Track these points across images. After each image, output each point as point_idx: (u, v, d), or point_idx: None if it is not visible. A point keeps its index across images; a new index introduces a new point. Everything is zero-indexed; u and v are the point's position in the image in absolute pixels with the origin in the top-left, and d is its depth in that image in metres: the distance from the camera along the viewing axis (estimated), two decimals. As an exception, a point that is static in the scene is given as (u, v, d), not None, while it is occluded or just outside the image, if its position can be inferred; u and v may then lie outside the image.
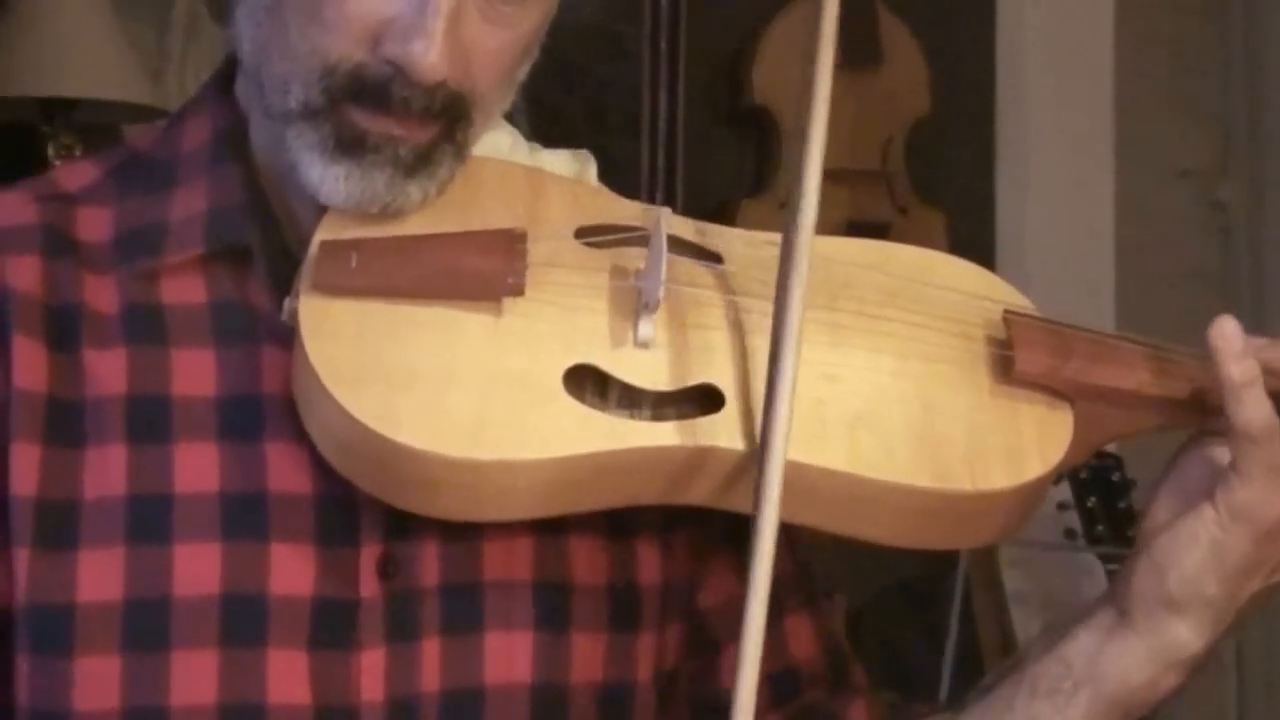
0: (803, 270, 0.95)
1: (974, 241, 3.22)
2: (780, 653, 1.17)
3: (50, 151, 2.59)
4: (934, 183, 3.22)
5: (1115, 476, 2.74)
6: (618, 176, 1.11)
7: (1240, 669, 3.39)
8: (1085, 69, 3.38)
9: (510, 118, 1.11)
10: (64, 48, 2.53)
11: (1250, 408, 0.98)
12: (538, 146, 1.12)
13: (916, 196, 3.17)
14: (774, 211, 2.98)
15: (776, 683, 1.17)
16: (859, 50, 3.11)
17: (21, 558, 0.98)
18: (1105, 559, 2.63)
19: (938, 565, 2.82)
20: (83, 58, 2.54)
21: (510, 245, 0.99)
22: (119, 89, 2.57)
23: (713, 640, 1.14)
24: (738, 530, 0.99)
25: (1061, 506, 2.87)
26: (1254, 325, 1.03)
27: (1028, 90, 3.36)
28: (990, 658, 2.78)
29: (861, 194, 3.08)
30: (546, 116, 3.01)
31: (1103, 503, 2.73)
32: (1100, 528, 2.73)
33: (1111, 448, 2.83)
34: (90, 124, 2.65)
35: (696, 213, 1.11)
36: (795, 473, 0.96)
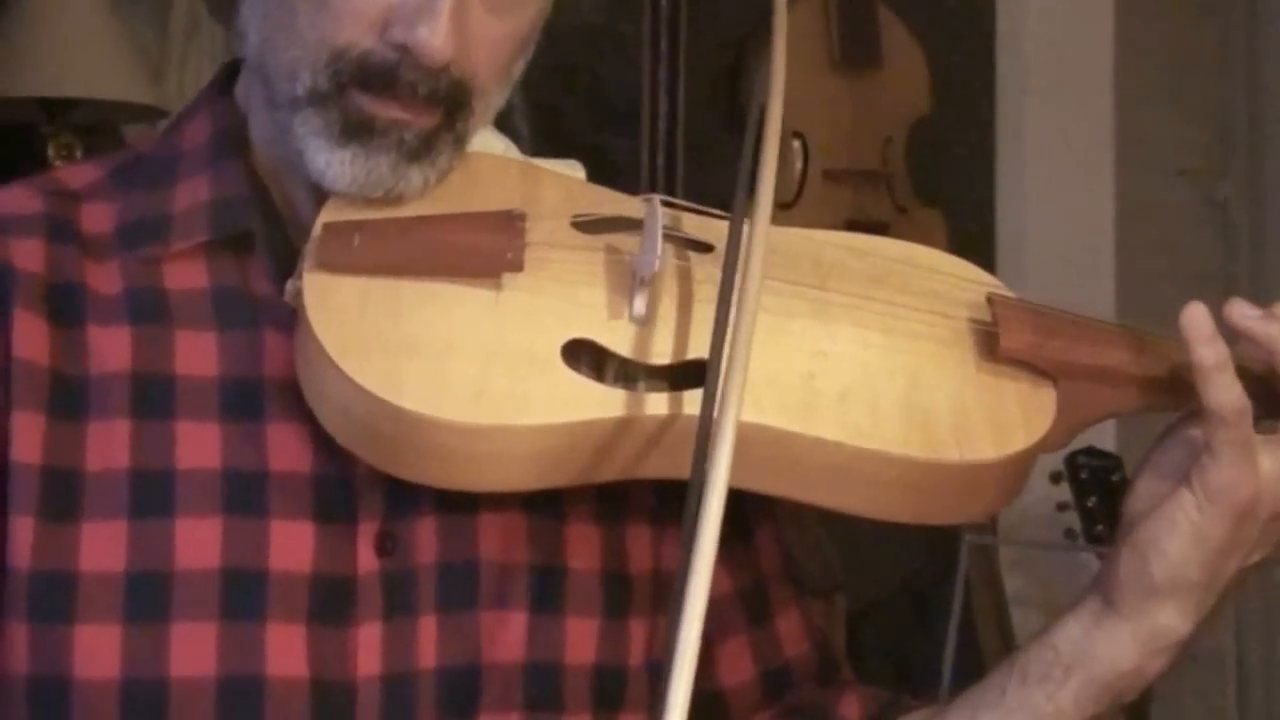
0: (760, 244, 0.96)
1: (974, 241, 3.22)
2: (773, 650, 1.19)
3: (50, 151, 2.60)
4: (934, 183, 3.22)
5: (1115, 476, 2.74)
6: (618, 176, 1.12)
7: (1240, 669, 3.39)
8: (1085, 69, 3.38)
9: (509, 117, 1.12)
10: (64, 48, 2.53)
11: (1221, 390, 1.00)
12: (529, 158, 1.14)
13: (916, 196, 3.17)
14: (774, 211, 2.98)
15: (768, 680, 1.19)
16: (859, 50, 3.11)
17: (24, 526, 0.99)
18: (1105, 559, 2.63)
19: (938, 565, 2.82)
20: (83, 58, 2.54)
21: (510, 224, 1.02)
22: (119, 89, 2.58)
23: (705, 635, 1.15)
24: (729, 524, 1.00)
25: (1061, 507, 2.87)
26: (1254, 325, 1.04)
27: (1028, 90, 3.36)
28: (990, 658, 2.78)
29: (861, 194, 3.08)
30: (546, 116, 3.01)
31: (1103, 503, 2.73)
32: (1100, 528, 2.74)
33: (1111, 448, 2.84)
34: (90, 124, 2.66)
35: (696, 213, 1.12)
36: (788, 444, 0.99)
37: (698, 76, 3.11)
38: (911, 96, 3.18)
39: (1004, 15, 3.38)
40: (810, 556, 2.53)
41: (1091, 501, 2.74)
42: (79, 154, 2.59)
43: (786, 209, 2.99)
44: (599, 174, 1.13)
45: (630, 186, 1.10)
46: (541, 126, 2.81)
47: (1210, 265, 3.49)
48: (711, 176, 3.08)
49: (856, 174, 3.08)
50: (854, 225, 3.00)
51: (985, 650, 2.82)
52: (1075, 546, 2.81)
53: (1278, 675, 3.37)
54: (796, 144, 3.04)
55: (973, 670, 2.71)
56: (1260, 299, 1.08)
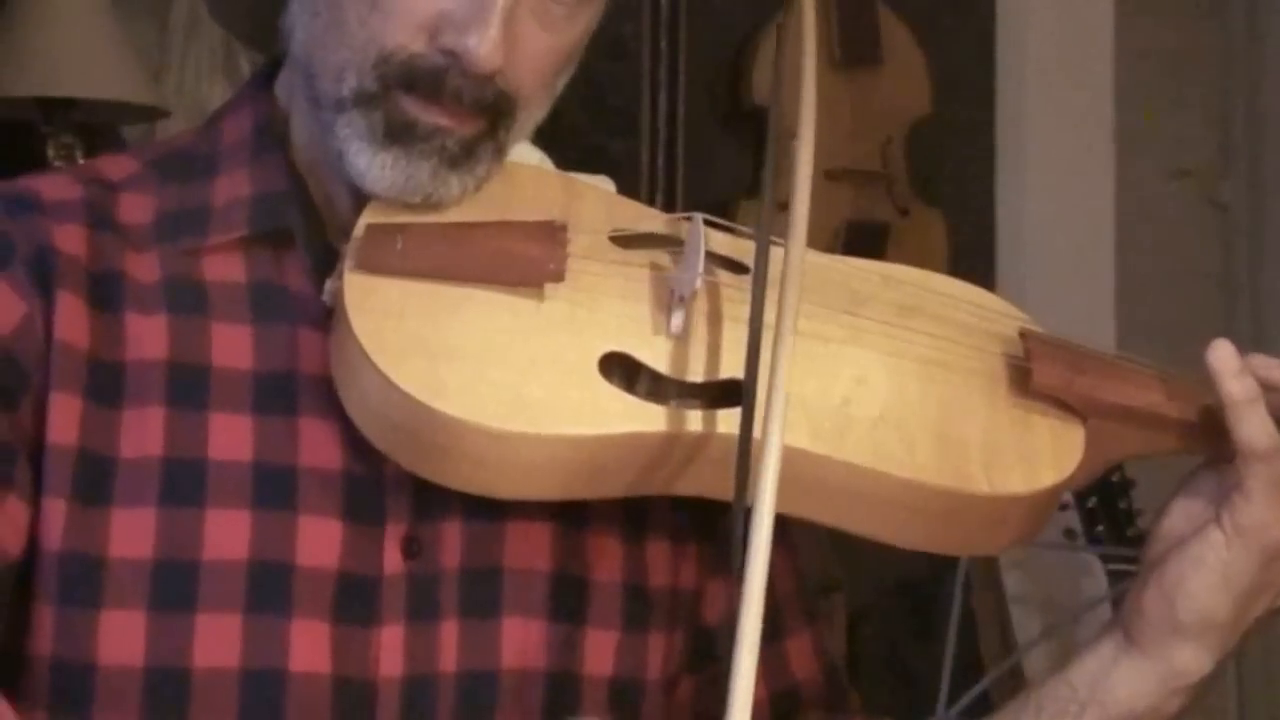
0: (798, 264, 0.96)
1: (974, 241, 3.22)
2: (782, 671, 1.19)
3: (50, 151, 2.59)
4: (934, 183, 3.22)
5: (1115, 476, 2.74)
6: (618, 176, 1.12)
7: (1240, 670, 3.39)
8: (1085, 69, 3.38)
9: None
10: (64, 48, 2.53)
11: (1252, 425, 1.00)
12: (562, 173, 1.14)
13: (916, 196, 3.17)
14: (774, 212, 2.98)
15: (777, 702, 1.18)
16: (859, 50, 3.11)
17: (57, 508, 1.00)
18: (1105, 559, 2.63)
19: (938, 565, 2.82)
20: (83, 58, 2.54)
21: (552, 234, 1.02)
22: (119, 89, 2.58)
23: (715, 655, 1.15)
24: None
25: (1061, 507, 2.87)
26: (1254, 325, 1.04)
27: (1028, 90, 3.36)
28: (990, 658, 2.78)
29: (861, 194, 3.08)
30: (546, 116, 3.01)
31: (1103, 503, 2.73)
32: (1100, 528, 2.73)
33: (1111, 448, 2.84)
34: (90, 124, 2.65)
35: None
36: (818, 468, 1.00)
37: (698, 76, 3.11)
38: (911, 96, 3.18)
39: (1004, 15, 3.37)
40: (810, 555, 2.53)
41: (1091, 501, 2.74)
42: (79, 154, 2.58)
43: (786, 209, 2.98)
44: (599, 174, 1.13)
45: (630, 186, 1.10)
46: (541, 126, 2.81)
47: (1210, 265, 3.49)
48: (712, 177, 3.08)
49: (856, 174, 3.08)
50: (854, 225, 3.00)
51: (985, 650, 2.82)
52: (1075, 546, 2.81)
53: (1278, 675, 3.37)
54: (796, 144, 3.04)
55: (973, 670, 2.71)
56: (1260, 299, 1.09)
